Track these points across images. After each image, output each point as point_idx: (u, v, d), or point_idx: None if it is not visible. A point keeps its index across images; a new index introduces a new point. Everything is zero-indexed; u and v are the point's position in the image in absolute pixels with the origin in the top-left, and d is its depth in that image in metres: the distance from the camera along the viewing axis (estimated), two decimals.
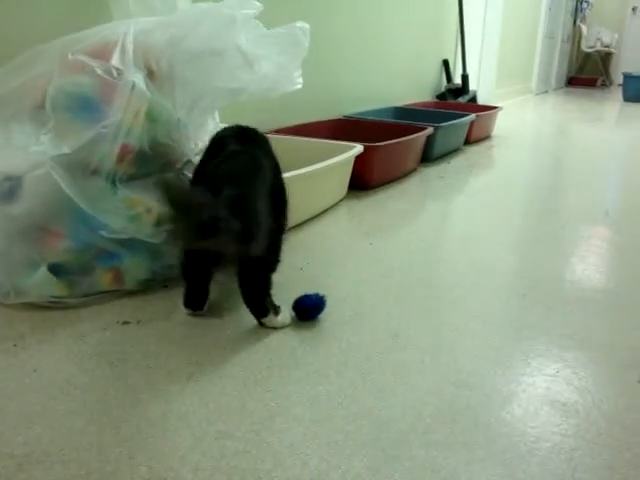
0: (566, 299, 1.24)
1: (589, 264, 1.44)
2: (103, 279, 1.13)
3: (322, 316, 1.10)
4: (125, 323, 1.05)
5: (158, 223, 1.16)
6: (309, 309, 1.09)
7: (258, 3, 1.33)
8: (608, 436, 0.80)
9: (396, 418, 0.82)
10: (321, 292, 1.10)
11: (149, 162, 1.18)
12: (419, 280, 1.30)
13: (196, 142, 1.34)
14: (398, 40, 3.16)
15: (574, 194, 2.18)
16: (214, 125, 1.46)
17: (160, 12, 1.35)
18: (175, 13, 1.34)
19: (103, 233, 1.10)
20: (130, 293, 1.15)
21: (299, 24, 1.30)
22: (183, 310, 1.09)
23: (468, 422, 0.82)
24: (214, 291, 1.13)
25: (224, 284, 1.16)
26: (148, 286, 1.18)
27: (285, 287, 1.17)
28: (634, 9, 8.67)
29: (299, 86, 1.33)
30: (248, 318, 1.07)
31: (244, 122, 1.97)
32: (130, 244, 1.13)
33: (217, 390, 0.87)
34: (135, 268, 1.15)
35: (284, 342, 1.01)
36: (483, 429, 0.81)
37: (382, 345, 1.02)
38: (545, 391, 0.90)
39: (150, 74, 1.24)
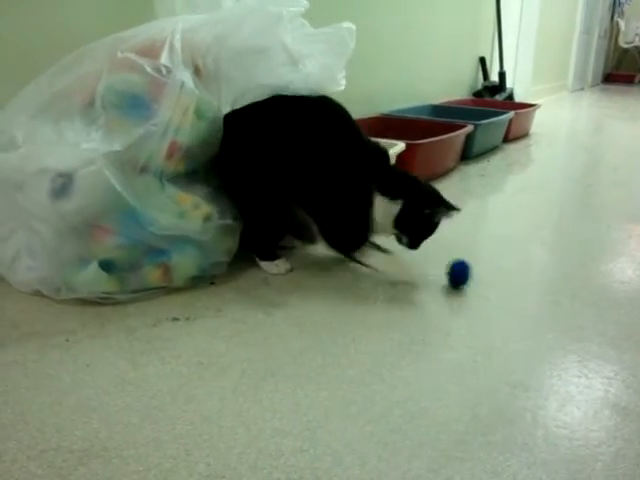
0: (618, 300, 1.21)
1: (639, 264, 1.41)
2: (152, 275, 1.14)
3: (371, 313, 1.09)
4: (174, 319, 1.06)
5: (206, 219, 1.17)
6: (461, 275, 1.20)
7: (304, 1, 1.33)
8: None
9: (452, 419, 0.81)
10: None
11: (196, 159, 1.18)
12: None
13: None
14: (435, 38, 3.13)
15: (615, 192, 2.13)
16: None
17: (204, 10, 1.36)
18: (220, 11, 1.34)
19: (152, 229, 1.10)
20: (178, 290, 1.16)
21: (346, 25, 1.30)
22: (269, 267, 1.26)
23: (526, 424, 0.80)
24: (263, 288, 1.13)
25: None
26: (196, 283, 1.18)
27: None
28: None
29: (342, 87, 1.32)
30: (296, 314, 1.06)
31: None
32: (178, 241, 1.14)
33: (270, 387, 0.86)
34: (183, 265, 1.16)
35: (336, 340, 1.00)
36: (542, 431, 0.79)
37: (434, 345, 1.00)
38: (604, 394, 0.88)
39: (197, 72, 1.25)
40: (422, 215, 1.18)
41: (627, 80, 8.42)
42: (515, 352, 0.99)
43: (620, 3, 8.06)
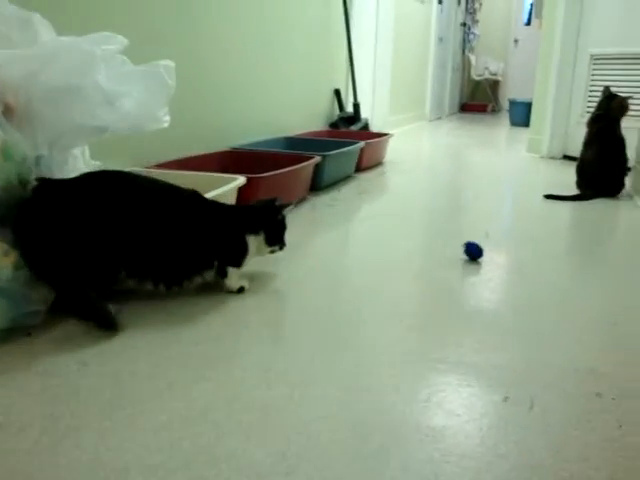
0: (443, 320, 1.27)
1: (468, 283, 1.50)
2: None
3: (192, 357, 1.07)
4: None
5: (17, 267, 1.11)
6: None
7: (123, 38, 1.31)
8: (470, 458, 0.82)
9: (258, 460, 0.80)
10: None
11: (3, 203, 1.12)
12: (298, 311, 1.30)
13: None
14: (289, 71, 3.21)
15: (459, 217, 2.26)
16: (83, 162, 1.41)
17: (19, 44, 1.30)
18: (34, 47, 1.29)
19: None
20: None
21: (163, 62, 1.29)
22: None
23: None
24: (81, 337, 1.08)
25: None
26: (9, 335, 1.10)
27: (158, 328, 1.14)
28: (516, 41, 9.24)
29: (166, 124, 1.31)
30: (113, 363, 1.02)
31: (124, 157, 1.94)
32: None
33: (71, 444, 0.82)
34: None
35: (151, 387, 0.97)
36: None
37: (251, 382, 1.00)
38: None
39: (7, 110, 1.19)
40: (278, 222, 1.44)
41: (481, 109, 9.06)
42: (330, 386, 1.01)
43: (469, 40, 8.69)
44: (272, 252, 1.44)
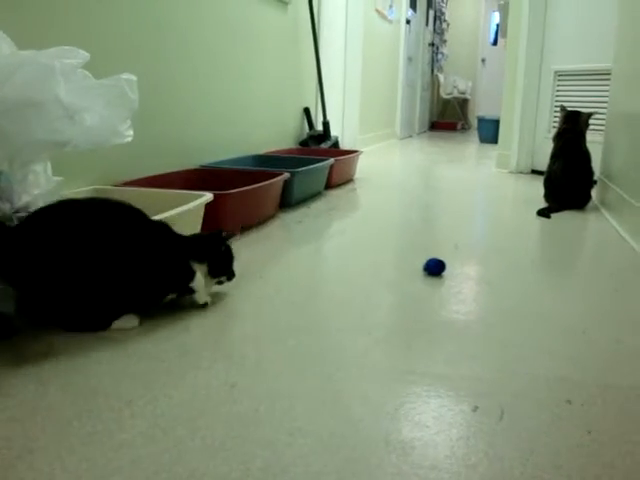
0: (411, 331, 1.26)
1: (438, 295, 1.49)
2: None
3: (156, 374, 1.04)
4: None
5: None
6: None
7: (84, 52, 1.29)
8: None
9: (221, 476, 0.78)
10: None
11: None
12: (266, 326, 1.28)
13: (20, 196, 1.25)
14: (258, 90, 3.21)
15: (429, 231, 2.27)
16: (45, 178, 1.38)
17: None
18: None
19: None
20: None
21: (125, 75, 1.27)
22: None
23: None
24: (42, 357, 1.04)
25: None
26: None
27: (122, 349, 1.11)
28: (483, 60, 9.43)
29: (129, 139, 1.29)
30: (73, 382, 0.99)
31: (90, 175, 1.91)
32: None
33: (25, 466, 0.78)
34: None
35: (112, 404, 0.94)
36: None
37: (216, 398, 0.97)
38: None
39: None
40: (221, 253, 1.38)
41: (450, 127, 9.19)
42: (299, 396, 0.99)
43: (438, 59, 8.83)
44: (220, 283, 1.40)
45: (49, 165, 1.42)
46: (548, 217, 2.49)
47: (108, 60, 1.97)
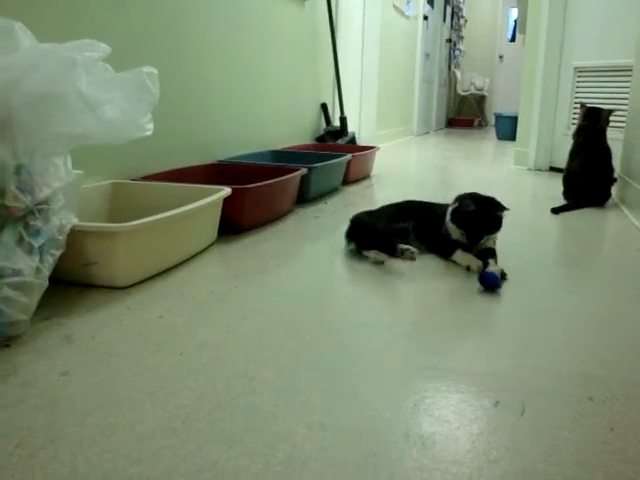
0: (432, 328, 1.26)
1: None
2: None
3: (174, 367, 1.05)
4: None
5: None
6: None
7: (105, 46, 1.29)
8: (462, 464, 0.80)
9: (242, 468, 0.78)
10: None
11: None
12: (284, 322, 1.28)
13: (41, 188, 1.26)
14: (275, 85, 3.21)
15: None
16: (66, 171, 1.39)
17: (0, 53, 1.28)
18: (15, 54, 1.27)
19: None
20: None
21: (146, 69, 1.27)
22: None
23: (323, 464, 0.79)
24: (64, 347, 1.04)
25: None
26: None
27: (144, 335, 1.11)
28: (501, 57, 9.36)
29: (149, 133, 1.29)
30: (95, 373, 0.99)
31: (107, 169, 1.92)
32: None
33: (48, 456, 0.79)
34: None
35: (132, 396, 0.94)
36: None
37: (235, 391, 0.97)
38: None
39: None
40: None
41: (467, 124, 9.13)
42: (321, 390, 0.98)
43: (455, 56, 8.77)
44: None
45: (69, 158, 1.42)
46: (556, 213, 2.49)
47: (128, 54, 1.98)
